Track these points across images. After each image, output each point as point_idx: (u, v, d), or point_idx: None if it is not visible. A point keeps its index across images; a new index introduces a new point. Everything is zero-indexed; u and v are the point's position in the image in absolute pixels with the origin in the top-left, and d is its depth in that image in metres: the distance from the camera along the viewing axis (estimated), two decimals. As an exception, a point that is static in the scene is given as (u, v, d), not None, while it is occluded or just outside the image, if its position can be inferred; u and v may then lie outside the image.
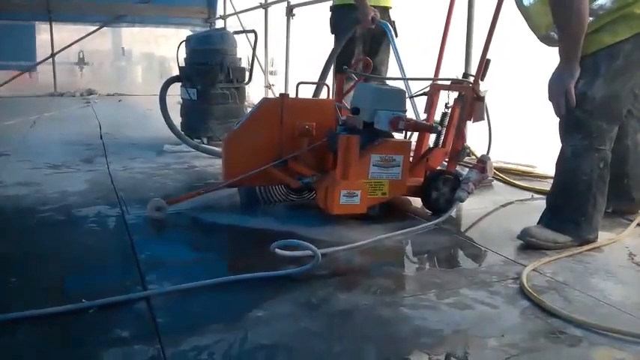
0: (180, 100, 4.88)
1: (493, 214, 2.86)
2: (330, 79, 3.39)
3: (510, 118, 4.66)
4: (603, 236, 2.37)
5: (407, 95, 2.86)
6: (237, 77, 4.73)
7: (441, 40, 3.23)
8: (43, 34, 9.94)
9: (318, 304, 1.75)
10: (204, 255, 2.21)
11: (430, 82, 3.05)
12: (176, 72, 4.79)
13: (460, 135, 2.78)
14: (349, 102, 2.86)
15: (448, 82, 2.97)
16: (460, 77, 2.98)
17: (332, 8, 3.99)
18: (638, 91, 2.48)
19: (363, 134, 2.53)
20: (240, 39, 5.07)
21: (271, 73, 8.29)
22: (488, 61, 2.70)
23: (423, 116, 3.04)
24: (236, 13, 9.39)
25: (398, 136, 2.74)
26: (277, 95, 3.00)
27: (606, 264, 2.14)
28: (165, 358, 1.41)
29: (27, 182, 3.24)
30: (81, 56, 10.35)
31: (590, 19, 2.10)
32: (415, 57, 3.99)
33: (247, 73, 4.84)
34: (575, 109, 2.18)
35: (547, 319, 1.66)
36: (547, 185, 2.90)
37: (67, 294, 1.77)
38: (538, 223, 2.36)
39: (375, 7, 3.61)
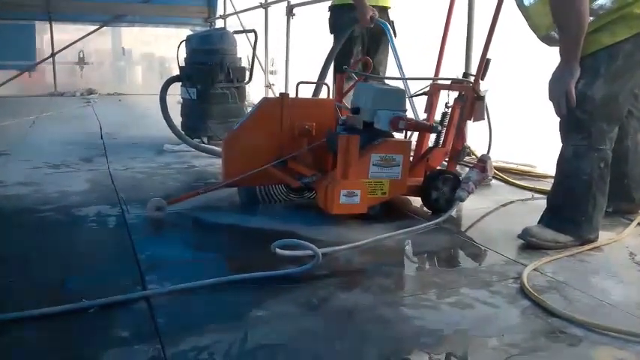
0: (181, 100, 4.87)
1: (493, 214, 2.86)
2: (329, 79, 3.39)
3: (511, 118, 4.66)
4: (604, 236, 2.36)
5: (407, 95, 2.86)
6: (237, 77, 4.73)
7: (441, 39, 3.23)
8: (42, 33, 9.94)
9: (319, 303, 1.75)
10: (204, 255, 2.22)
11: (430, 81, 3.05)
12: (176, 72, 4.79)
13: (460, 135, 2.78)
14: (349, 102, 2.86)
15: (448, 82, 2.97)
16: (460, 77, 2.98)
17: (331, 8, 3.99)
18: (638, 91, 2.48)
19: (363, 134, 2.53)
20: (240, 39, 5.07)
21: (271, 72, 8.29)
22: (489, 60, 2.70)
23: (422, 116, 3.04)
24: (236, 13, 9.39)
25: (398, 135, 2.74)
26: (277, 95, 3.00)
27: (607, 264, 2.14)
28: (166, 358, 1.41)
29: (27, 182, 3.24)
30: (81, 56, 10.35)
31: (590, 18, 2.10)
32: (414, 57, 3.99)
33: (247, 73, 4.84)
34: (576, 110, 2.17)
35: (547, 319, 1.66)
36: (547, 185, 2.90)
37: (67, 294, 1.76)
38: (538, 222, 2.36)
39: (373, 6, 3.61)
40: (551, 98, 2.21)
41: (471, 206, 2.87)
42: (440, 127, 2.82)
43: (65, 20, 10.03)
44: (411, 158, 2.79)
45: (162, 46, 10.65)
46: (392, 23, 3.73)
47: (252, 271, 1.92)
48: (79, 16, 10.05)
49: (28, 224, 2.51)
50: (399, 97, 2.61)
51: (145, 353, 1.43)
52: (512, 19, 2.56)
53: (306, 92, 3.03)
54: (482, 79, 2.71)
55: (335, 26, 3.89)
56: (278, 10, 7.68)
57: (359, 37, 3.84)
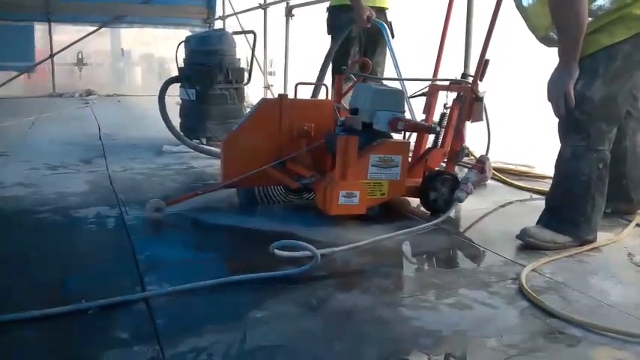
0: (180, 101, 4.88)
1: (492, 215, 2.86)
2: (326, 79, 3.40)
3: (509, 119, 4.66)
4: (602, 236, 2.37)
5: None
6: (236, 78, 4.73)
7: (439, 40, 3.23)
8: (41, 34, 9.93)
9: (318, 304, 1.75)
10: (203, 256, 2.21)
11: (429, 82, 3.05)
12: (175, 73, 4.79)
13: (459, 135, 2.78)
14: (348, 102, 2.86)
15: (447, 83, 2.98)
16: (459, 78, 2.98)
17: (328, 9, 4.00)
18: (636, 92, 2.48)
19: (362, 135, 2.53)
20: (239, 40, 5.07)
21: (270, 73, 8.29)
22: (487, 61, 2.71)
23: (419, 117, 3.04)
24: (235, 14, 9.39)
25: (397, 136, 2.74)
26: (276, 96, 3.00)
27: (605, 264, 2.14)
28: (165, 359, 1.41)
29: (26, 183, 3.24)
30: (80, 57, 10.34)
31: (589, 19, 2.10)
32: (412, 58, 3.99)
33: (246, 74, 4.84)
34: (574, 110, 2.18)
35: (546, 320, 1.66)
36: (546, 186, 2.90)
37: (67, 295, 1.76)
38: (537, 223, 2.36)
39: (371, 7, 3.62)
40: (549, 99, 2.21)
41: (470, 207, 2.87)
42: (438, 128, 2.82)
43: (64, 21, 10.02)
44: (410, 159, 2.79)
45: (162, 46, 10.63)
46: (390, 24, 3.74)
47: (251, 272, 1.92)
48: (77, 17, 10.04)
49: (28, 225, 2.51)
50: (397, 97, 2.62)
51: (144, 354, 1.43)
52: (511, 19, 2.56)
53: (305, 93, 3.04)
54: (480, 80, 2.72)
55: (332, 27, 3.90)
56: (277, 11, 7.69)
57: (356, 38, 3.84)
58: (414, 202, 2.88)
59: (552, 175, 2.40)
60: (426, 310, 1.72)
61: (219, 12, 10.72)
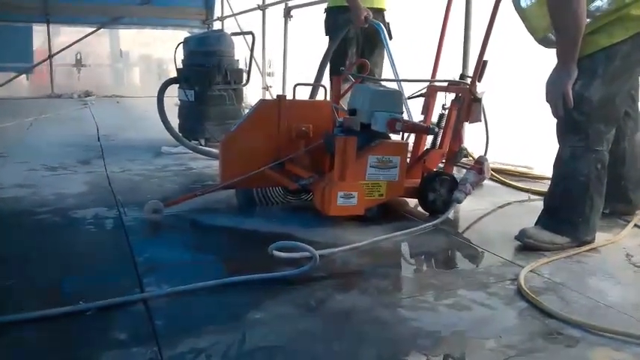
0: (178, 102, 4.88)
1: (491, 216, 2.86)
2: (324, 80, 3.40)
3: (507, 120, 4.66)
4: (601, 237, 2.37)
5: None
6: (234, 79, 4.73)
7: (438, 41, 3.23)
8: (40, 35, 9.92)
9: (316, 305, 1.75)
10: (201, 257, 2.21)
11: (427, 83, 3.06)
12: (174, 74, 4.78)
13: (457, 136, 2.79)
14: (346, 103, 2.86)
15: (445, 84, 2.98)
16: (457, 78, 2.98)
17: (326, 10, 4.01)
18: (635, 92, 2.49)
19: (361, 135, 2.53)
20: (237, 40, 5.07)
21: (269, 74, 8.29)
22: (486, 62, 2.71)
23: (417, 118, 3.04)
24: (234, 15, 9.39)
25: (395, 137, 2.74)
26: (274, 97, 3.00)
27: (604, 265, 2.14)
28: (163, 360, 1.41)
29: (24, 184, 3.23)
30: (78, 58, 10.33)
31: (588, 20, 2.10)
32: (410, 59, 3.99)
33: (245, 75, 4.84)
34: (573, 111, 2.18)
35: (545, 320, 1.66)
36: (544, 186, 2.90)
37: (65, 296, 1.76)
38: (535, 224, 2.37)
39: (369, 8, 3.62)
40: (548, 100, 2.21)
41: (468, 208, 2.87)
42: (437, 129, 2.82)
43: (62, 22, 10.02)
44: (408, 160, 2.79)
45: (160, 48, 10.63)
46: (387, 25, 3.74)
47: (249, 273, 1.92)
48: (76, 18, 10.03)
49: (26, 226, 2.51)
50: (396, 98, 2.62)
51: (143, 355, 1.43)
52: (510, 20, 2.56)
53: (304, 94, 3.04)
54: (479, 81, 2.72)
55: (330, 28, 3.91)
56: (275, 12, 7.69)
57: (354, 39, 3.85)
58: (413, 202, 2.88)
59: (551, 176, 2.41)
60: (425, 311, 1.72)
61: (217, 13, 10.71)
